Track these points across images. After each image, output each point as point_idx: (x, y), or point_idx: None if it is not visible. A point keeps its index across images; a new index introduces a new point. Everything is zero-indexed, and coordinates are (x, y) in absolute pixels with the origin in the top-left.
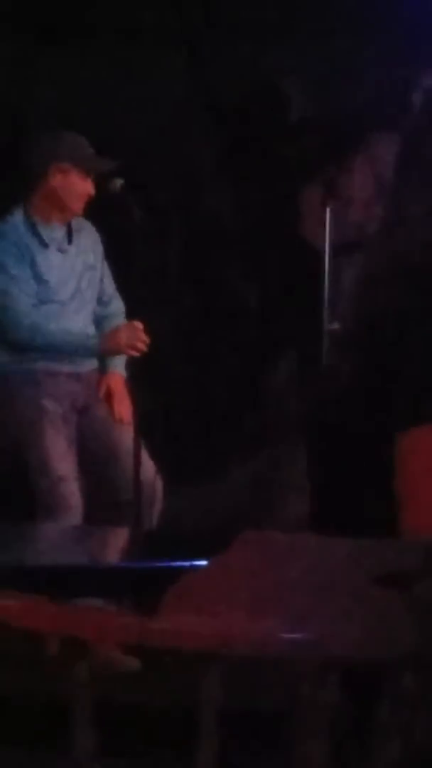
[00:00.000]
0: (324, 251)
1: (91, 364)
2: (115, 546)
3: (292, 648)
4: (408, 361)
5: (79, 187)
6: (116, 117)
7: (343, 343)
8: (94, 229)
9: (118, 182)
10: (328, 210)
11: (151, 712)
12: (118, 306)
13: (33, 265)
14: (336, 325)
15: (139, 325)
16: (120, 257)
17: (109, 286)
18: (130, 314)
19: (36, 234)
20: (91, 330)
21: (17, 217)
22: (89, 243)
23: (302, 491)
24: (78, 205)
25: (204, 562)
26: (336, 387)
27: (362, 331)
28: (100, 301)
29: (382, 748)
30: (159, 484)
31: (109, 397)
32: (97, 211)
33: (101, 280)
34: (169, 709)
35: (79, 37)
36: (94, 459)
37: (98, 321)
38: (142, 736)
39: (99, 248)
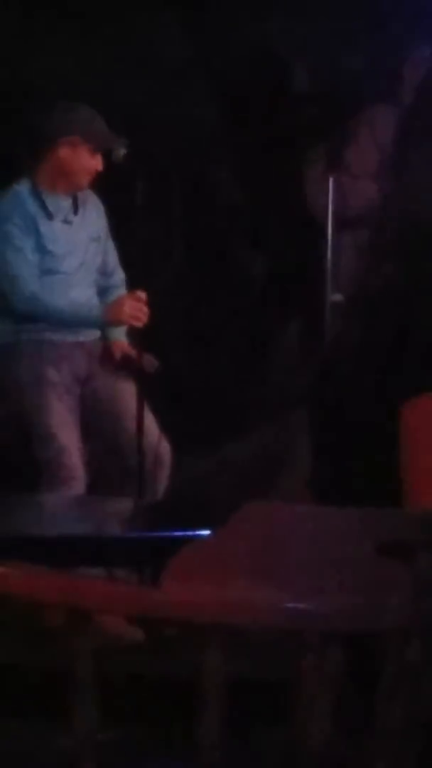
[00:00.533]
0: (327, 222)
1: (93, 334)
2: (118, 516)
3: (295, 618)
4: (414, 332)
5: (88, 162)
6: (117, 86)
7: (347, 313)
8: (98, 200)
9: (121, 151)
10: (330, 180)
11: (154, 683)
12: (120, 277)
13: (38, 235)
14: (338, 297)
15: (141, 295)
16: (122, 227)
17: (113, 258)
18: (132, 285)
19: (42, 204)
20: (95, 301)
21: (24, 186)
22: (94, 214)
23: (305, 463)
24: (85, 180)
25: (207, 533)
26: (340, 356)
27: (368, 301)
28: (104, 272)
29: (385, 718)
30: (165, 450)
31: (113, 366)
32: (99, 180)
33: (105, 252)
34: (171, 681)
35: (80, 4)
36: (98, 429)
37: (101, 292)
38: (144, 708)
39: (103, 219)
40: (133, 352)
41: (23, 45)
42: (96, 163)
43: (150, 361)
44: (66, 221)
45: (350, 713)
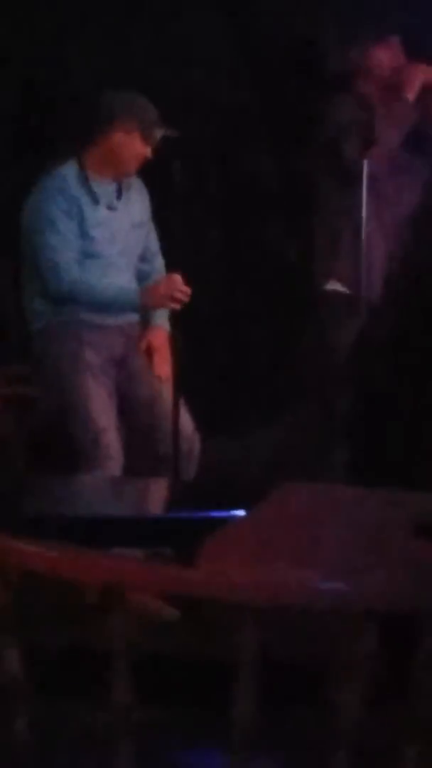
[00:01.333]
0: (361, 205)
1: (132, 317)
2: (154, 497)
3: (330, 599)
4: None
5: (139, 149)
6: (155, 71)
7: (386, 297)
8: (143, 185)
9: (158, 133)
10: (365, 162)
11: (190, 663)
12: (160, 263)
13: (81, 219)
14: (333, 286)
15: (177, 277)
16: (159, 210)
17: (154, 244)
18: (169, 269)
19: (87, 188)
20: (134, 286)
21: (70, 169)
22: (138, 200)
23: (341, 443)
24: (133, 167)
25: (242, 513)
26: (378, 337)
27: (406, 281)
28: (144, 258)
29: (419, 700)
30: (196, 436)
31: (149, 351)
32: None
33: (147, 237)
34: (207, 660)
35: None
36: (133, 411)
37: (141, 277)
38: (179, 687)
39: (147, 205)
40: (166, 349)
41: (64, 33)
42: (146, 150)
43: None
44: (110, 207)
45: (385, 695)
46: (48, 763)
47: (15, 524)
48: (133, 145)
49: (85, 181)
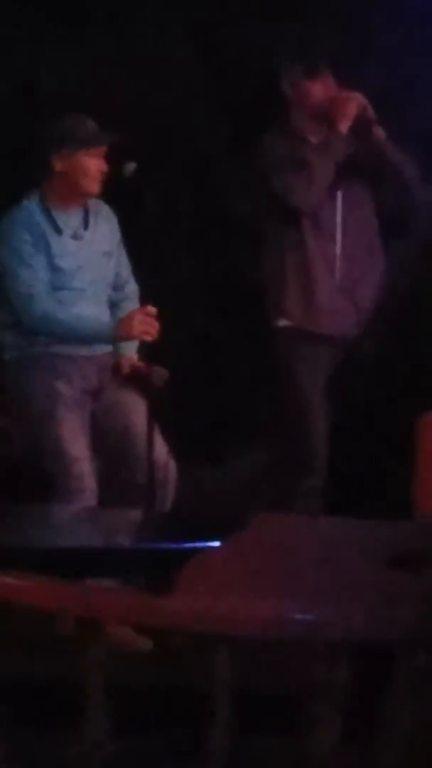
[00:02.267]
0: (336, 233)
1: (105, 348)
2: (128, 527)
3: (303, 629)
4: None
5: (89, 165)
6: (126, 100)
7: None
8: (112, 213)
9: (131, 166)
10: (339, 194)
11: (164, 693)
12: (132, 290)
13: (48, 251)
14: (284, 323)
15: (152, 310)
16: (133, 240)
17: (125, 271)
18: (144, 297)
19: (51, 220)
20: (106, 316)
21: (33, 202)
22: (106, 229)
23: (315, 473)
24: (93, 185)
25: (217, 544)
26: (357, 368)
27: (385, 313)
28: (116, 286)
29: (392, 727)
30: (172, 466)
31: (129, 376)
32: (110, 195)
33: (118, 265)
34: (181, 690)
35: (87, 20)
36: (108, 441)
37: (113, 304)
38: (154, 717)
39: (116, 234)
40: (142, 366)
41: (30, 57)
42: (98, 164)
43: (159, 373)
44: (76, 237)
45: (358, 722)
46: None
47: None
48: (82, 166)
49: (47, 212)
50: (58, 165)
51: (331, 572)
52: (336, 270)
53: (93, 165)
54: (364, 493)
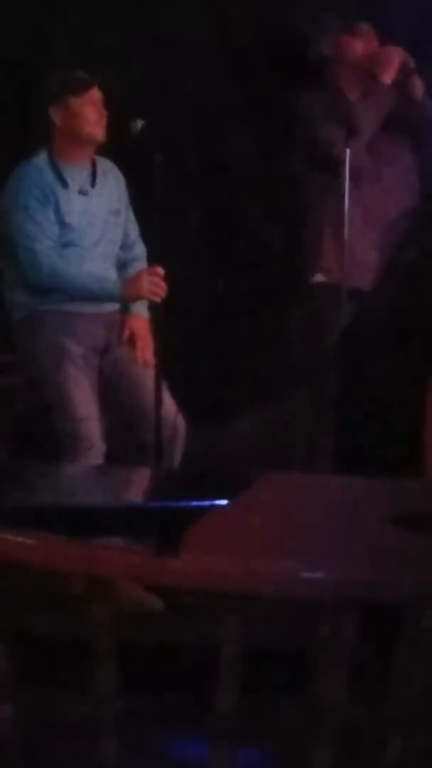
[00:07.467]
0: (344, 196)
1: (113, 306)
2: (137, 486)
3: (311, 588)
4: None
5: (87, 112)
6: (135, 58)
7: (376, 287)
8: (119, 172)
9: (139, 123)
10: (348, 150)
11: (173, 652)
12: (140, 250)
13: (56, 207)
14: (320, 278)
15: (159, 270)
16: (140, 200)
17: (133, 230)
18: (151, 258)
19: (58, 175)
20: (114, 274)
21: (41, 158)
22: (113, 186)
23: (325, 432)
24: (95, 129)
25: (225, 502)
26: (367, 328)
27: (396, 277)
28: (124, 245)
29: (400, 687)
30: (180, 423)
31: (131, 339)
32: (117, 153)
33: (126, 224)
34: (190, 649)
35: None
36: (116, 399)
37: (121, 265)
38: (163, 676)
39: (123, 192)
40: (148, 335)
41: (42, 21)
42: (95, 109)
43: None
44: (82, 192)
45: (366, 682)
46: (33, 753)
47: None
48: (79, 113)
49: (55, 168)
50: (57, 118)
51: (339, 530)
52: (375, 225)
53: (90, 111)
54: (373, 454)
